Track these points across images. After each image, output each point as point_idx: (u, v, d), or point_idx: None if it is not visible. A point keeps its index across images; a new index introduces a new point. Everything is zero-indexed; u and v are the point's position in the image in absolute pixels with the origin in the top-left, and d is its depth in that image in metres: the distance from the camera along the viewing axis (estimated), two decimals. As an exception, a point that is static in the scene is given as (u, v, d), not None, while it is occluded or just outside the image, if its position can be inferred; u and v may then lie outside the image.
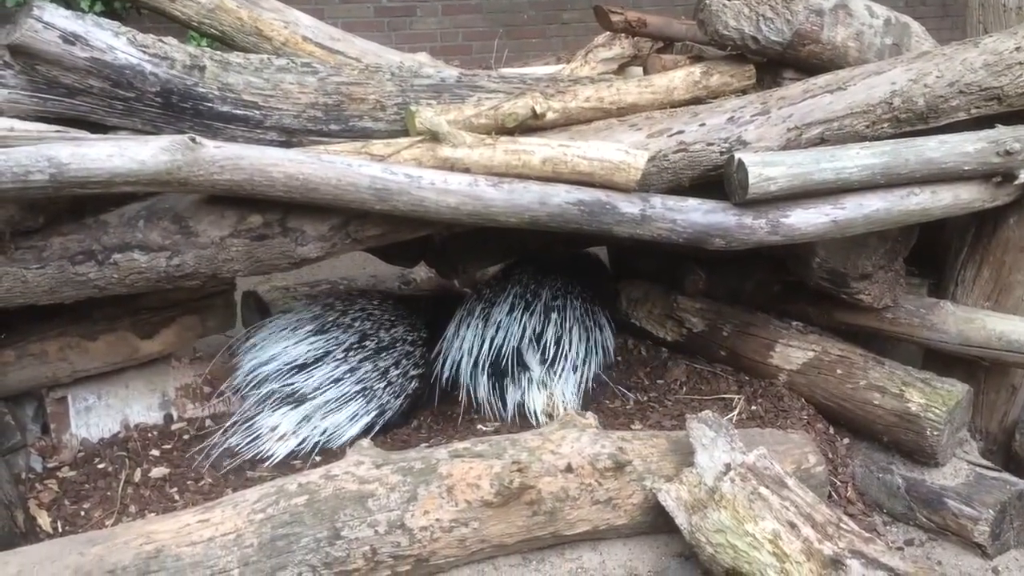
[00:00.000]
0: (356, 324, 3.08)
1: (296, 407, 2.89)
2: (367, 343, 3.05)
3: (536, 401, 3.07)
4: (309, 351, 2.95)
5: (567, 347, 3.12)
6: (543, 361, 3.09)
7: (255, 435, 2.86)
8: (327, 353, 2.96)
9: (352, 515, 2.24)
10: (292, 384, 2.91)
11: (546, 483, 2.40)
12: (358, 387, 2.97)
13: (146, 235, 2.46)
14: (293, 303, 3.23)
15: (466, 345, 3.11)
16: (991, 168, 2.88)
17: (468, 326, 3.14)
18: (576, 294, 3.30)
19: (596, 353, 3.22)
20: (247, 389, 2.94)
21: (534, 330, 3.10)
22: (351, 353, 2.99)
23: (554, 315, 3.16)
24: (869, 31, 3.00)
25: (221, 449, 2.84)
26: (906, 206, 2.85)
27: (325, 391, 2.91)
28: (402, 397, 3.11)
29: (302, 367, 2.93)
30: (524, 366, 3.10)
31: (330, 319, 3.07)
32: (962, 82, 2.84)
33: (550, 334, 3.11)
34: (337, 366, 2.95)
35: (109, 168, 2.19)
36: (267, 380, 2.91)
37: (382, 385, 3.03)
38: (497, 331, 3.10)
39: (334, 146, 2.56)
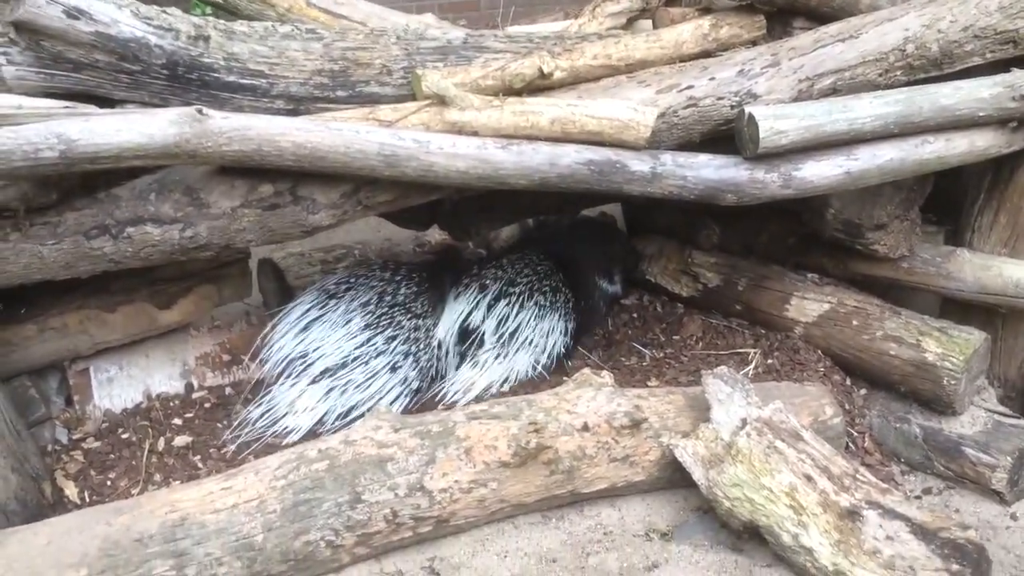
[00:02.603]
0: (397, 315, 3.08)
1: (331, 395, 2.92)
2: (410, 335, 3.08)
3: (462, 382, 3.08)
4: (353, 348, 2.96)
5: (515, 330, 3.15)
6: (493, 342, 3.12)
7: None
8: (376, 350, 2.98)
9: (372, 479, 2.27)
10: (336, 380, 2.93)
11: (563, 442, 2.43)
12: (398, 378, 3.00)
13: (158, 208, 2.46)
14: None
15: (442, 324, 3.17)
16: (1007, 113, 2.84)
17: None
18: (546, 280, 3.30)
19: (548, 338, 3.22)
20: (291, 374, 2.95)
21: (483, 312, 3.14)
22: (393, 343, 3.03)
23: (502, 302, 3.16)
24: (881, -24, 2.96)
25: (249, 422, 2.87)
26: (920, 155, 2.82)
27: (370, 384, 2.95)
28: (428, 378, 3.14)
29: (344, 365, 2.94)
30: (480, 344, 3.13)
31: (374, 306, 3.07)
32: (976, 26, 2.80)
33: (491, 319, 3.13)
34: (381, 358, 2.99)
35: (118, 143, 2.19)
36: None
37: (415, 373, 3.05)
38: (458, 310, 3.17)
39: (342, 113, 2.55)
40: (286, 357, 2.95)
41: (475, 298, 3.16)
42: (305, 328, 3.00)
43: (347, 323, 2.99)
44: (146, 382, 3.03)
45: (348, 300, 3.05)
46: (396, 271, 3.20)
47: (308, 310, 3.04)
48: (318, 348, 2.94)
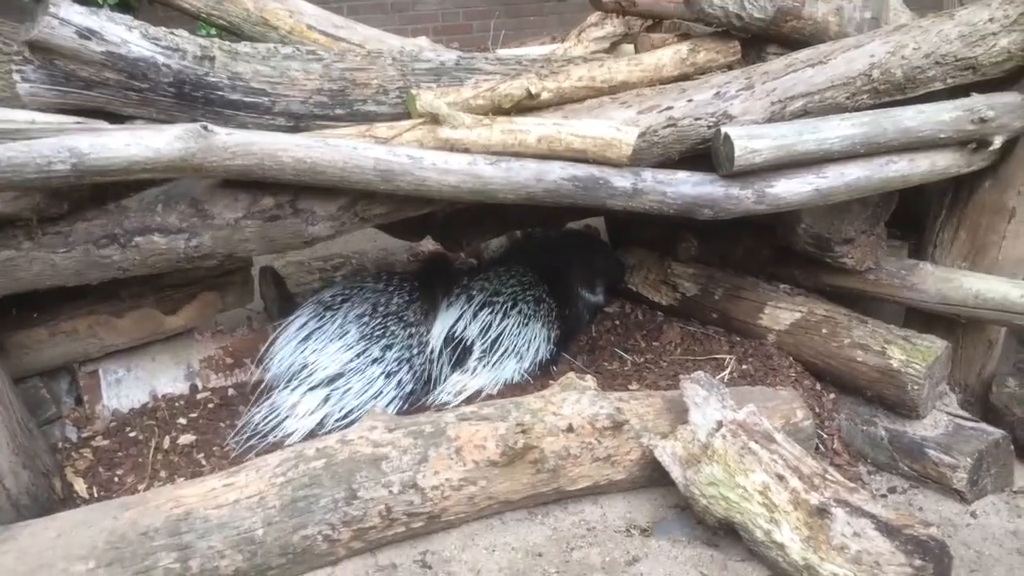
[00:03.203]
0: (390, 325, 3.13)
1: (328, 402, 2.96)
2: (405, 347, 3.13)
3: (452, 385, 3.14)
4: (351, 359, 3.00)
5: (498, 340, 3.22)
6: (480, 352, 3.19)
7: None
8: (371, 358, 3.03)
9: (367, 476, 2.32)
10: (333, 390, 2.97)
11: (549, 443, 2.49)
12: (393, 382, 3.05)
13: (165, 219, 2.49)
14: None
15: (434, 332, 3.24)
16: (966, 135, 2.91)
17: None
18: (530, 290, 3.37)
19: (530, 345, 3.28)
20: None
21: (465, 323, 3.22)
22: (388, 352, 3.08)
23: (485, 310, 3.24)
24: (849, 6, 3.03)
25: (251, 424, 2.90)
26: (885, 173, 2.88)
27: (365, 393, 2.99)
28: (421, 381, 3.18)
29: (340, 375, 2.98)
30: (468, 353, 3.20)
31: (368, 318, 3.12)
32: (938, 53, 2.88)
33: (475, 327, 3.21)
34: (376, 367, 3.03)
35: (127, 157, 2.22)
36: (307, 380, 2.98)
37: (409, 377, 3.10)
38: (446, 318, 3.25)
39: (340, 130, 2.59)
40: (287, 369, 2.98)
41: (463, 307, 3.22)
42: (304, 340, 3.02)
43: (343, 335, 3.02)
44: (152, 383, 3.07)
45: (344, 312, 3.08)
46: (389, 281, 3.24)
47: (306, 323, 3.07)
48: (317, 360, 2.97)
